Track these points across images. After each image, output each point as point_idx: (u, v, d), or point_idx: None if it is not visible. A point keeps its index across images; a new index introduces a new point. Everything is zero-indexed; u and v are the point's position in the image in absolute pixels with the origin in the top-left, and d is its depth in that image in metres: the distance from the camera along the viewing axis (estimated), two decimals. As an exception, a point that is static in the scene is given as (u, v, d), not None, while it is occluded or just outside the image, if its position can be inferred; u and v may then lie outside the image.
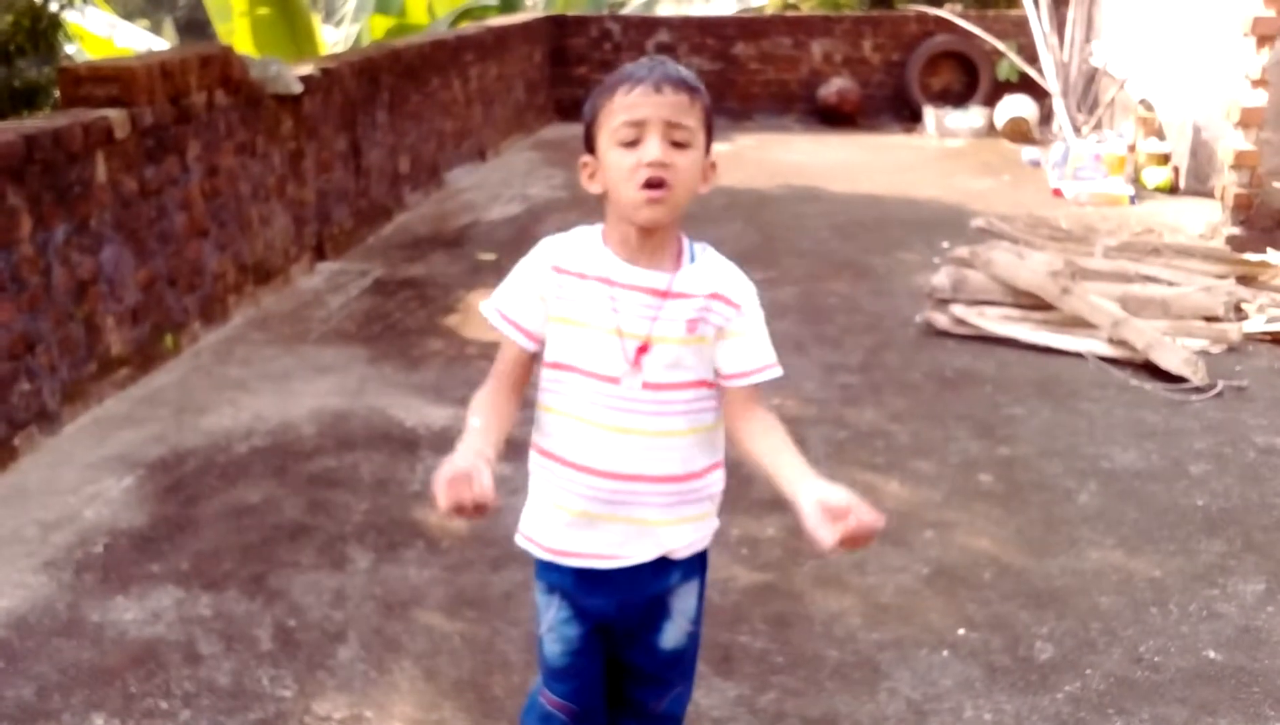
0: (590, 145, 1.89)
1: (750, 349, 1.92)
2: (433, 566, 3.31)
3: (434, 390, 4.52)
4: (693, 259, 1.91)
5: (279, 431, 4.21)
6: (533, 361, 1.94)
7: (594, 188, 1.88)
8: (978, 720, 2.65)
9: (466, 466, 1.71)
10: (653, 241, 1.86)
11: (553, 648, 2.05)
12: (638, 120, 1.79)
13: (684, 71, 1.85)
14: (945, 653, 2.90)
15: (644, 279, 1.87)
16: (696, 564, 2.05)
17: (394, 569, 3.29)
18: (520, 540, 2.02)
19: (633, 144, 1.80)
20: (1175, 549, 3.39)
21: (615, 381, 1.87)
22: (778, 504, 3.64)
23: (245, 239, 5.57)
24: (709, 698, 2.71)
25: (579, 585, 1.97)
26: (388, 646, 2.93)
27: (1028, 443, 4.10)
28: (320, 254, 6.43)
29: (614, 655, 2.08)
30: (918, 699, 2.72)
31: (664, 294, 1.87)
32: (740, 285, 1.93)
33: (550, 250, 1.91)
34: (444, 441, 4.08)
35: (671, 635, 2.05)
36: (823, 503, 1.76)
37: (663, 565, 1.97)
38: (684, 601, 2.04)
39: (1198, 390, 4.50)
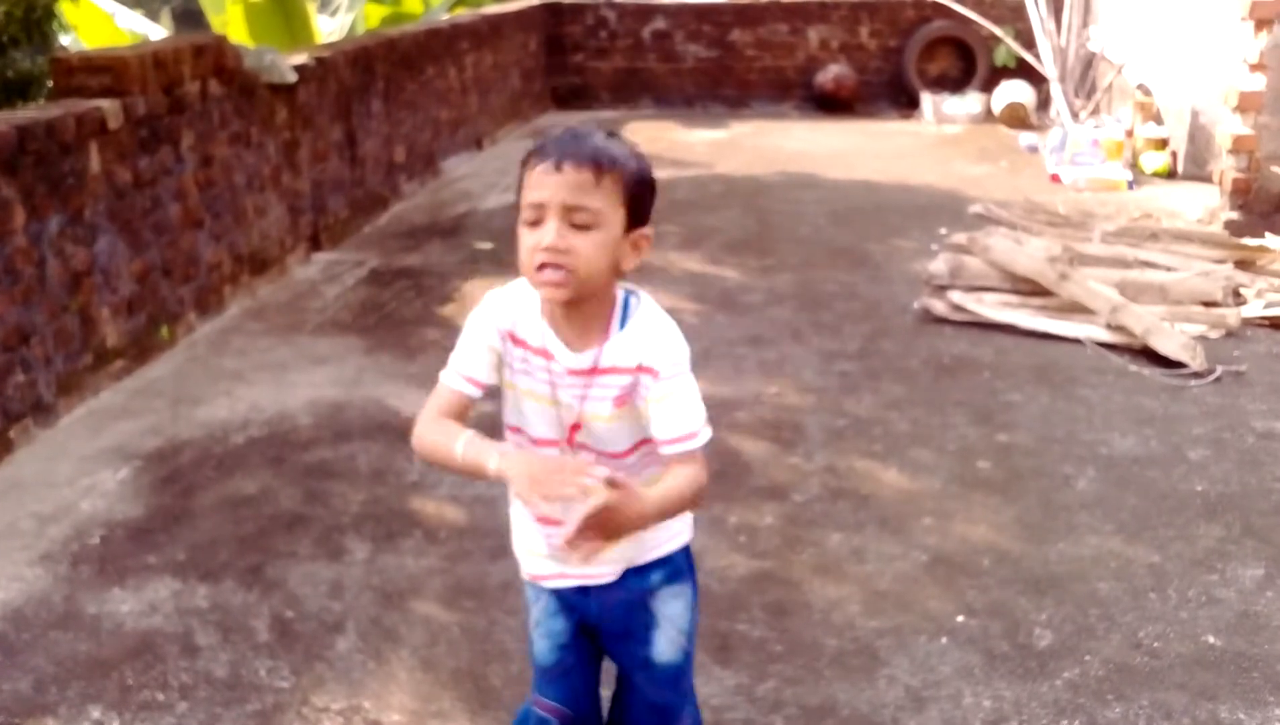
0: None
1: (671, 416, 1.82)
2: (430, 557, 3.30)
3: (430, 380, 4.45)
4: (623, 324, 1.83)
5: (275, 422, 4.20)
6: (472, 406, 1.93)
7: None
8: (977, 707, 2.64)
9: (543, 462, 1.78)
10: (580, 313, 1.81)
11: (541, 643, 2.04)
12: (538, 202, 1.74)
13: (601, 146, 1.76)
14: (944, 640, 2.89)
15: (573, 360, 1.83)
16: (681, 569, 2.01)
17: (391, 559, 3.28)
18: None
19: (536, 224, 1.75)
20: (1174, 535, 3.39)
21: (556, 444, 1.89)
22: (775, 493, 3.65)
23: (240, 229, 5.55)
24: (708, 686, 2.71)
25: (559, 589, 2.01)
26: (385, 637, 2.92)
27: (1026, 429, 4.09)
28: (316, 244, 6.41)
29: (619, 690, 2.10)
30: (917, 686, 2.72)
31: (591, 372, 1.82)
32: (662, 351, 1.82)
33: (502, 312, 1.89)
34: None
35: (664, 647, 1.99)
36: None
37: (638, 570, 1.97)
38: (670, 606, 2.00)
39: (1196, 375, 4.49)
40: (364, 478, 3.78)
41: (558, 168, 1.73)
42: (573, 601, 2.00)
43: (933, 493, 3.66)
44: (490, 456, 1.78)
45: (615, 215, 1.76)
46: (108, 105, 4.46)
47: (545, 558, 1.96)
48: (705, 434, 1.86)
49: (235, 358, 4.85)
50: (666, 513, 1.84)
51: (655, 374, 1.81)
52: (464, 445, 1.81)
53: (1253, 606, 3.02)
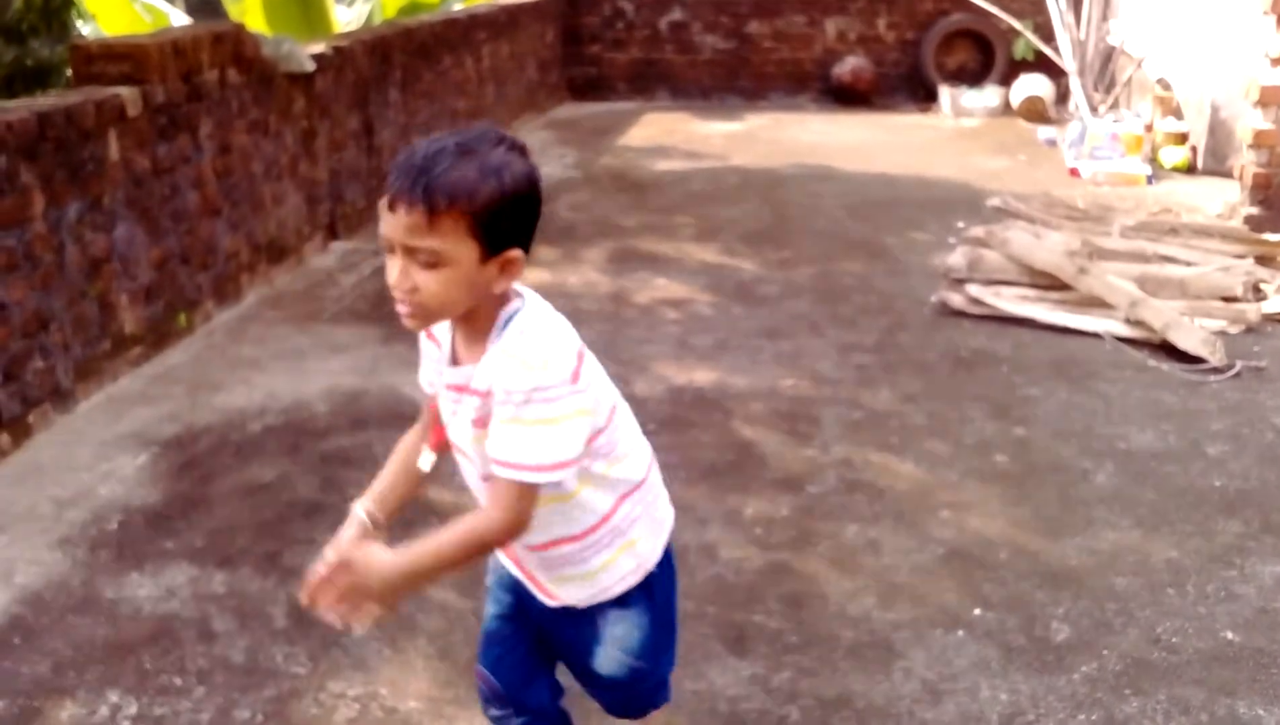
0: None
1: (504, 438, 1.66)
2: (446, 545, 3.30)
3: (447, 369, 4.50)
4: (496, 340, 1.71)
5: (292, 410, 4.21)
6: None
7: None
8: (994, 701, 2.64)
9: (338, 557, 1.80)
10: (467, 326, 1.73)
11: (488, 609, 2.05)
12: (382, 236, 1.64)
13: (439, 180, 1.57)
14: (960, 633, 2.89)
15: (453, 376, 1.76)
16: (631, 599, 1.91)
17: (408, 547, 3.28)
18: None
19: (391, 251, 1.64)
20: (1192, 530, 3.37)
21: (467, 457, 1.84)
22: (790, 485, 3.64)
23: (258, 218, 5.56)
24: (723, 677, 2.71)
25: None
26: (402, 624, 2.92)
27: (1044, 423, 4.07)
28: (333, 233, 6.42)
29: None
30: (933, 679, 2.71)
31: (461, 389, 1.74)
32: (506, 376, 1.64)
33: (424, 348, 1.89)
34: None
35: (604, 663, 1.94)
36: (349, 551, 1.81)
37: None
38: (616, 627, 1.92)
39: (1215, 371, 4.47)
40: (380, 465, 3.77)
41: (391, 207, 1.60)
42: (520, 589, 1.99)
43: (949, 486, 3.65)
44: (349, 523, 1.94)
45: (462, 250, 1.60)
46: (127, 93, 4.47)
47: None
48: (534, 477, 1.66)
49: (253, 345, 4.87)
50: (427, 571, 1.76)
51: (495, 398, 1.67)
52: (359, 502, 1.98)
53: (1272, 603, 3.01)
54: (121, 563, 3.21)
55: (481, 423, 1.72)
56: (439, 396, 1.83)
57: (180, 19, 8.63)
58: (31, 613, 2.98)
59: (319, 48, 6.28)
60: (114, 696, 2.66)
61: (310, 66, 5.93)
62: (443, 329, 1.80)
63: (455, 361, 1.78)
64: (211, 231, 5.13)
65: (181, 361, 4.69)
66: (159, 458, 3.84)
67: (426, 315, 1.68)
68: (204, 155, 5.05)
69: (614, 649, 1.93)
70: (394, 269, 1.63)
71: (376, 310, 5.29)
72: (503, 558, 1.99)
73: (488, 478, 1.74)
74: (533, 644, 2.04)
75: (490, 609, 2.04)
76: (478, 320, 1.71)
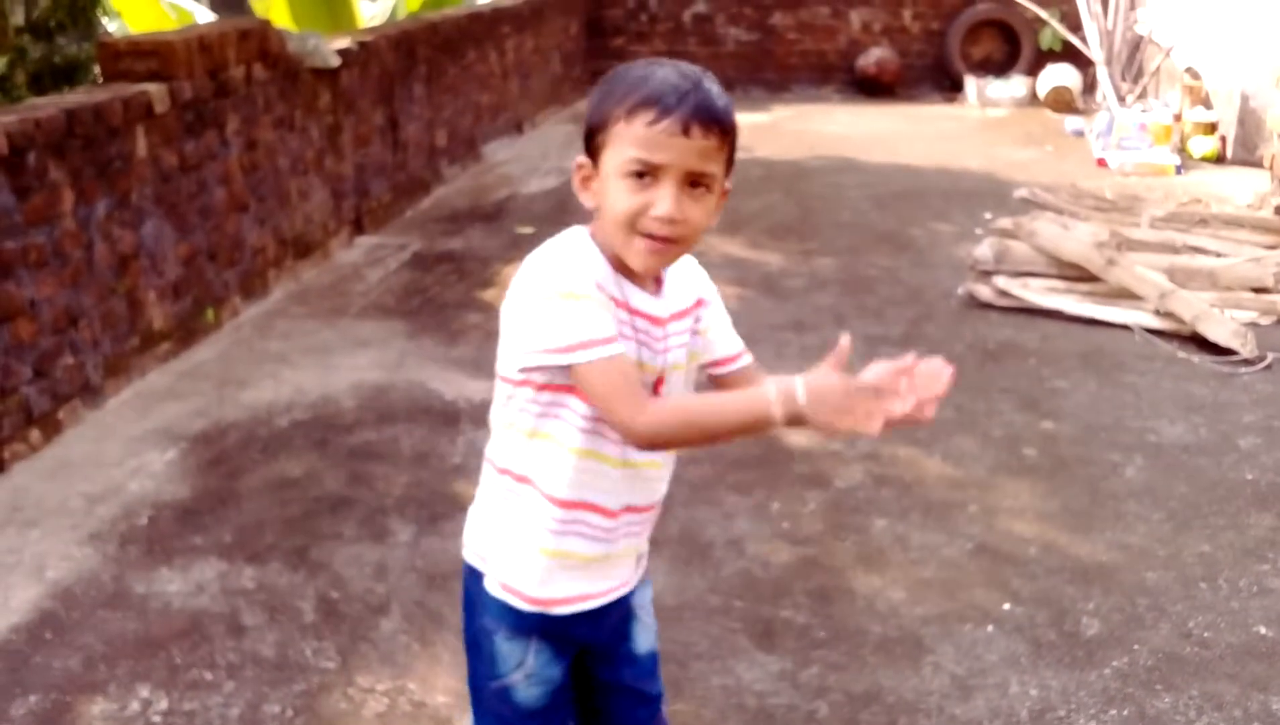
0: (590, 148, 1.63)
1: (729, 331, 1.79)
2: (473, 540, 3.30)
3: (473, 364, 4.52)
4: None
5: (319, 405, 4.22)
6: None
7: (586, 199, 1.64)
8: (1023, 696, 2.62)
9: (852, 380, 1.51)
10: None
11: (529, 692, 1.77)
12: (655, 163, 1.54)
13: (718, 99, 1.58)
14: (990, 628, 2.87)
15: (649, 306, 1.66)
16: None
17: (435, 541, 3.30)
18: (496, 590, 1.73)
19: (643, 177, 1.55)
20: (1224, 524, 3.34)
21: None
22: (818, 480, 3.63)
23: (284, 213, 5.58)
24: (751, 672, 2.70)
25: (560, 622, 1.74)
26: (430, 619, 2.93)
27: (1072, 416, 4.05)
28: (359, 228, 6.44)
29: (590, 683, 1.88)
30: (962, 674, 2.70)
31: (662, 321, 1.68)
32: (704, 276, 1.76)
33: (583, 269, 1.60)
34: (484, 414, 4.06)
35: (644, 637, 1.89)
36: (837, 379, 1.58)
37: None
38: (644, 595, 1.89)
39: (1246, 362, 4.42)
40: (407, 460, 3.79)
41: (685, 131, 1.53)
42: (574, 636, 1.78)
43: (977, 480, 3.63)
44: (795, 396, 1.52)
45: (720, 177, 1.61)
46: (154, 89, 4.49)
47: (568, 570, 1.71)
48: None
49: (279, 341, 4.89)
50: None
51: (708, 302, 1.76)
52: (780, 401, 1.52)
53: (1305, 597, 2.98)
54: (151, 558, 3.23)
55: (691, 347, 1.74)
56: (642, 341, 1.65)
57: (205, 16, 8.67)
58: (63, 608, 3.00)
59: (344, 43, 6.29)
60: (144, 691, 2.68)
61: (335, 62, 5.95)
62: (610, 280, 1.62)
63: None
64: (238, 227, 5.15)
65: (209, 357, 4.71)
66: (188, 453, 3.87)
67: (680, 249, 1.61)
68: (231, 151, 5.07)
69: (644, 614, 1.89)
70: (667, 199, 1.54)
71: (403, 305, 5.30)
72: (580, 598, 1.74)
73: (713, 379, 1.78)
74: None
75: (535, 691, 1.77)
76: None
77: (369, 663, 2.77)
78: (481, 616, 1.77)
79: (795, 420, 1.51)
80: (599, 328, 1.55)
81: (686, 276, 1.74)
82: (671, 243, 1.58)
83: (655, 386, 1.69)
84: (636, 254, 1.58)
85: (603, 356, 1.54)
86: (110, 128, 4.22)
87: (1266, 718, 2.54)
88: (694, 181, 1.56)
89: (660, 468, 1.75)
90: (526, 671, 1.76)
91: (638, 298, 1.65)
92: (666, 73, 1.58)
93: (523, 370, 1.64)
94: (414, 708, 2.61)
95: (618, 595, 1.79)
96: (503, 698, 1.79)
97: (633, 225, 1.56)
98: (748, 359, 1.82)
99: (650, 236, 1.56)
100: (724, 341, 1.80)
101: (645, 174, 1.55)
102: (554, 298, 1.57)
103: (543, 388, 1.64)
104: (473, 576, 1.78)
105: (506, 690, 1.78)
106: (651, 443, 1.58)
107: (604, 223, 1.61)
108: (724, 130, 1.58)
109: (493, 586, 1.74)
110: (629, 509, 1.72)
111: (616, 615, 1.82)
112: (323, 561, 3.20)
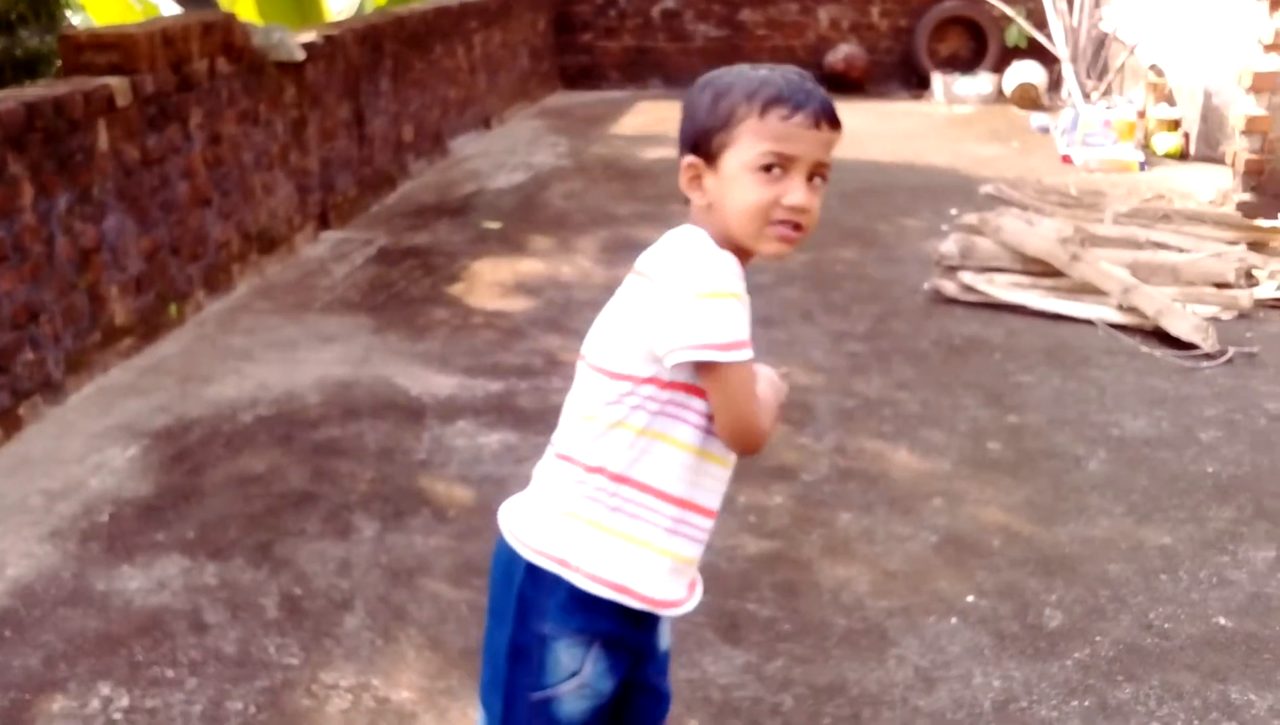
0: (704, 150, 1.67)
1: None
2: (439, 535, 3.30)
3: (439, 359, 4.50)
4: None
5: (284, 400, 4.20)
6: None
7: (697, 197, 1.69)
8: (986, 687, 2.64)
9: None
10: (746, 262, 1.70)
11: (577, 705, 1.73)
12: (790, 155, 1.62)
13: (828, 97, 1.69)
14: (954, 620, 2.89)
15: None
16: None
17: (400, 537, 3.28)
18: (595, 588, 1.68)
19: (772, 170, 1.62)
20: (1185, 516, 3.37)
21: None
22: (784, 473, 3.63)
23: (249, 208, 5.54)
24: (716, 665, 2.70)
25: (633, 625, 1.73)
26: (394, 615, 2.92)
27: (1037, 410, 4.07)
28: (324, 223, 6.40)
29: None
30: (926, 666, 2.71)
31: None
32: None
33: (734, 265, 1.63)
34: (449, 410, 4.07)
35: (666, 633, 1.90)
36: None
37: None
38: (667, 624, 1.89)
39: (1208, 357, 4.47)
40: (372, 456, 3.77)
41: (817, 125, 1.64)
42: (633, 643, 1.76)
43: (943, 473, 3.65)
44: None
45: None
46: (116, 83, 4.45)
47: (673, 571, 1.72)
48: None
49: (244, 336, 4.85)
50: None
51: None
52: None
53: (1264, 588, 3.01)
54: (112, 555, 3.20)
55: None
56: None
57: (171, 8, 8.60)
58: (22, 605, 2.97)
59: (309, 36, 6.25)
60: (105, 689, 2.65)
61: (301, 55, 5.91)
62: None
63: None
64: (202, 222, 5.11)
65: (172, 352, 4.67)
66: (150, 449, 3.83)
67: (804, 238, 1.69)
68: (194, 145, 5.02)
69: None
70: (799, 189, 1.63)
71: (368, 300, 5.28)
72: (678, 601, 1.75)
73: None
74: None
75: (583, 705, 1.73)
76: None
77: (332, 659, 2.75)
78: (540, 622, 1.70)
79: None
80: (747, 330, 1.63)
81: None
82: (801, 231, 1.67)
83: None
84: (769, 243, 1.66)
85: (748, 359, 1.63)
86: (71, 121, 4.17)
87: (1225, 707, 2.57)
88: (815, 174, 1.66)
89: (733, 468, 1.78)
90: (581, 681, 1.71)
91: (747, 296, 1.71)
92: (786, 73, 1.68)
93: (673, 367, 1.63)
94: (378, 704, 2.60)
95: (691, 604, 1.78)
96: (543, 710, 1.73)
97: (766, 216, 1.64)
98: None
99: (783, 225, 1.65)
100: None
101: (775, 166, 1.63)
102: (714, 295, 1.60)
103: (668, 386, 1.65)
104: (536, 579, 1.71)
105: (550, 702, 1.72)
106: (761, 448, 1.68)
107: (726, 218, 1.66)
108: (840, 127, 1.69)
109: (588, 584, 1.67)
110: (716, 511, 1.77)
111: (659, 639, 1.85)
112: (286, 558, 3.18)
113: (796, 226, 1.65)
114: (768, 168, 1.63)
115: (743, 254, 1.67)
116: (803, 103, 1.63)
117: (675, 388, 1.65)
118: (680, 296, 1.60)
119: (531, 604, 1.71)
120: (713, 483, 1.73)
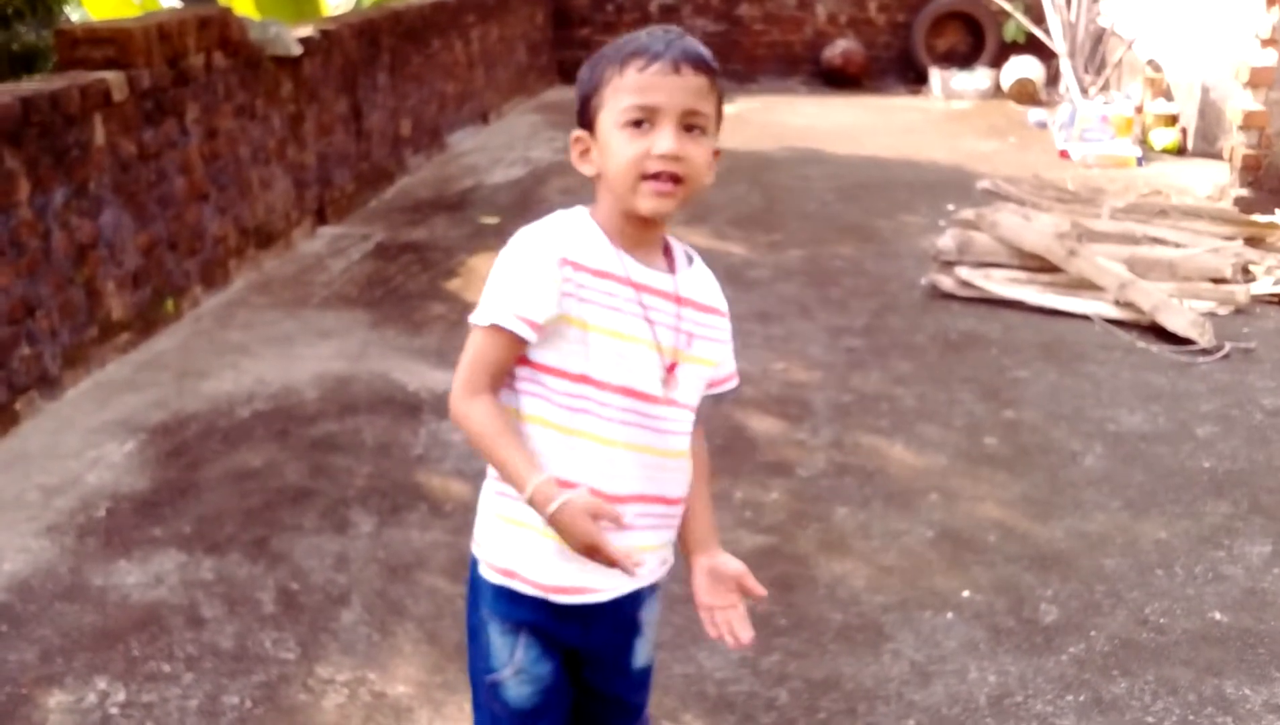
0: (585, 119, 1.67)
1: (729, 355, 1.81)
2: (435, 530, 3.30)
3: (436, 354, 4.50)
4: (689, 260, 1.75)
5: (281, 396, 4.20)
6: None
7: (586, 168, 1.68)
8: (982, 682, 2.64)
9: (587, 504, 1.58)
10: (652, 233, 1.69)
11: (520, 690, 1.76)
12: (652, 105, 1.59)
13: (701, 47, 1.65)
14: (949, 615, 2.89)
15: (659, 281, 1.68)
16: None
17: (397, 532, 3.28)
18: (492, 575, 1.73)
19: (639, 125, 1.60)
20: (1181, 511, 3.38)
21: (652, 400, 1.68)
22: (781, 468, 3.64)
23: (245, 202, 5.53)
24: (712, 660, 2.71)
25: (554, 617, 1.73)
26: (391, 609, 2.92)
27: (1033, 406, 4.08)
28: (321, 218, 6.39)
29: (578, 687, 1.85)
30: (921, 661, 2.72)
31: (677, 300, 1.69)
32: (721, 292, 1.80)
33: (551, 240, 1.63)
34: (446, 405, 4.06)
35: (642, 652, 1.89)
36: (713, 569, 1.81)
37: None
38: (651, 612, 1.87)
39: (1205, 352, 4.47)
40: (369, 451, 3.77)
41: (676, 69, 1.59)
42: (561, 637, 1.76)
43: (939, 469, 3.65)
44: (552, 503, 1.58)
45: (714, 123, 1.66)
46: (112, 77, 4.44)
47: (563, 556, 1.67)
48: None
49: (241, 331, 4.85)
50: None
51: (725, 315, 1.79)
52: (534, 486, 1.59)
53: (1259, 583, 3.02)
54: (109, 550, 3.20)
55: (709, 348, 1.75)
56: (594, 330, 1.64)
57: (167, 2, 8.58)
58: (19, 600, 2.97)
59: (306, 31, 6.24)
60: (102, 683, 2.65)
61: (297, 50, 5.90)
62: (603, 251, 1.64)
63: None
64: (199, 217, 5.11)
65: (169, 347, 4.67)
66: (147, 444, 3.83)
67: (683, 195, 1.63)
68: (190, 140, 5.02)
69: (649, 631, 1.88)
70: (667, 137, 1.59)
71: (365, 295, 5.27)
72: (582, 589, 1.72)
73: (695, 410, 1.77)
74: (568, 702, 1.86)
75: (526, 690, 1.76)
76: (661, 228, 1.70)
77: (329, 654, 2.76)
78: (480, 606, 1.77)
79: (537, 508, 1.60)
80: (508, 296, 1.61)
81: (706, 279, 1.77)
82: (677, 182, 1.61)
83: (668, 371, 1.69)
84: (644, 198, 1.61)
85: (482, 324, 1.62)
86: (67, 116, 4.17)
87: (1220, 702, 2.58)
88: (689, 125, 1.61)
89: (680, 457, 1.75)
90: (516, 667, 1.75)
91: (642, 273, 1.67)
92: (650, 30, 1.66)
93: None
94: (374, 698, 2.60)
95: (624, 593, 1.75)
96: (494, 694, 1.78)
97: (638, 170, 1.60)
98: (732, 383, 1.84)
99: (656, 177, 1.60)
100: (724, 363, 1.81)
101: (643, 121, 1.60)
102: (502, 264, 1.64)
103: (523, 362, 1.67)
104: (474, 568, 1.79)
105: (497, 687, 1.77)
106: (456, 423, 1.68)
107: (608, 182, 1.65)
108: (710, 71, 1.63)
109: (488, 572, 1.74)
110: (640, 498, 1.70)
111: (612, 624, 1.80)
112: (283, 553, 3.18)
113: (674, 178, 1.60)
114: (636, 123, 1.60)
115: (640, 223, 1.65)
116: (660, 52, 1.60)
117: (526, 364, 1.67)
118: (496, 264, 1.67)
119: (474, 590, 1.80)
120: (600, 463, 1.66)
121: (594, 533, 1.58)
